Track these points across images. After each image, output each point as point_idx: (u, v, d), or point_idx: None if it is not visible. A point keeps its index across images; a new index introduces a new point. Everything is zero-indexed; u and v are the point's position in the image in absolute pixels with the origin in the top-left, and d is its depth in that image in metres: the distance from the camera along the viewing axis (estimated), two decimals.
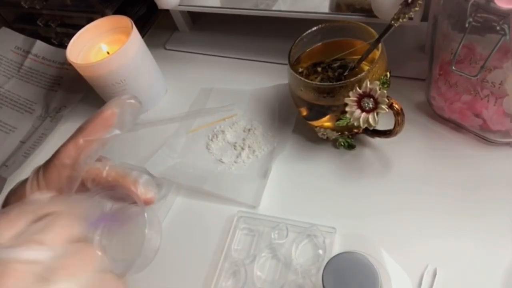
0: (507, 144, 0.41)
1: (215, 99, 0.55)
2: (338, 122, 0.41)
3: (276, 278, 0.38)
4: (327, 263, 0.30)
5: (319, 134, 0.44)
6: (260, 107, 0.52)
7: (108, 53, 0.54)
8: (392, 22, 0.37)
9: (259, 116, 0.51)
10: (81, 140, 0.28)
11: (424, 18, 0.46)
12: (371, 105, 0.38)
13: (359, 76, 0.38)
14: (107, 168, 0.31)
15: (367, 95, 0.38)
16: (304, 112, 0.44)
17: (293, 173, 0.45)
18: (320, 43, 0.45)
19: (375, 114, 0.38)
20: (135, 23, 0.52)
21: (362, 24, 0.41)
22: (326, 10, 0.51)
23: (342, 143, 0.44)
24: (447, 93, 0.41)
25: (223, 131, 0.51)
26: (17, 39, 0.64)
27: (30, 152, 0.56)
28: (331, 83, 0.39)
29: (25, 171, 0.54)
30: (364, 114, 0.38)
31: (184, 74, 0.60)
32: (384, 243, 0.38)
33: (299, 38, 0.43)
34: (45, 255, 0.22)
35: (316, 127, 0.44)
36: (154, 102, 0.57)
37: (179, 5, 0.58)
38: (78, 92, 0.60)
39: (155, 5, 0.58)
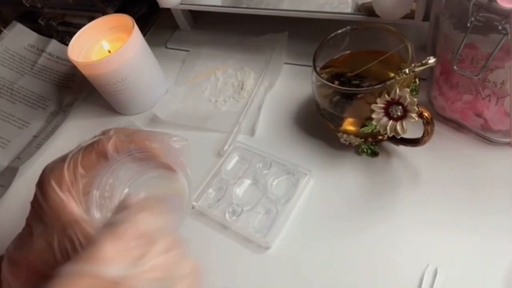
0: (508, 144, 0.41)
1: (205, 58, 0.60)
2: (363, 129, 0.40)
3: (250, 199, 0.44)
4: None
5: (342, 140, 0.44)
6: (251, 55, 0.58)
7: (109, 51, 0.54)
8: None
9: (250, 63, 0.57)
10: (132, 145, 0.31)
11: (426, 17, 0.46)
12: (399, 113, 0.37)
13: (388, 82, 0.37)
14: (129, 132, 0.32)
15: (396, 102, 0.37)
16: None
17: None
18: (347, 52, 0.45)
19: (404, 122, 0.37)
20: (136, 21, 0.52)
21: (391, 28, 0.41)
22: (328, 10, 0.51)
23: (365, 150, 0.44)
24: (449, 92, 0.41)
25: (218, 79, 0.57)
26: (30, 37, 0.64)
27: (42, 143, 0.57)
28: (350, 89, 0.39)
29: (37, 162, 0.56)
30: (391, 122, 0.37)
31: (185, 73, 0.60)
32: (384, 243, 0.38)
33: (324, 40, 0.43)
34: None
35: (339, 132, 0.43)
36: (154, 101, 0.57)
37: (181, 3, 0.58)
38: (90, 86, 0.61)
39: (156, 3, 0.58)
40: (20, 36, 0.64)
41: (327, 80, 0.40)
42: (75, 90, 0.62)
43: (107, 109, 0.59)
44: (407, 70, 0.36)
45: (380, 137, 0.43)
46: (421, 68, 0.35)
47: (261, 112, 0.52)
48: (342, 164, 0.44)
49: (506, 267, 0.34)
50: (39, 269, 0.29)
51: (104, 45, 0.55)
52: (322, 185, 0.44)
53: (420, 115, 0.36)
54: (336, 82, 0.41)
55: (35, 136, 0.59)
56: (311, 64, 0.41)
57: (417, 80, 0.39)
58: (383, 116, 0.38)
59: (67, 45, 0.53)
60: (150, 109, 0.57)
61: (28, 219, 0.32)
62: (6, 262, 0.31)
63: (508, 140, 0.41)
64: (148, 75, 0.55)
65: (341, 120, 0.42)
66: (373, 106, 0.38)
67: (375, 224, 0.40)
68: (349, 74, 0.42)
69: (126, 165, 0.32)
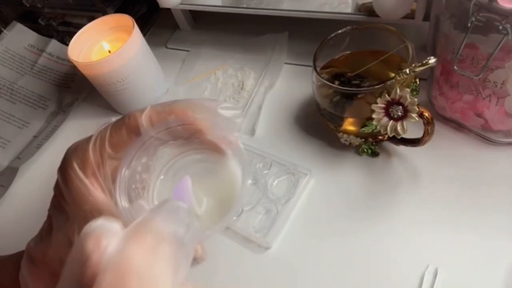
0: (509, 144, 0.41)
1: (206, 58, 0.60)
2: (363, 129, 0.40)
3: (251, 199, 0.44)
4: None
5: (342, 140, 0.44)
6: (251, 55, 0.58)
7: (109, 51, 0.54)
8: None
9: (250, 63, 0.57)
10: (171, 117, 0.25)
11: (426, 17, 0.46)
12: (400, 113, 0.37)
13: (388, 82, 0.37)
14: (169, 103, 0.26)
15: (396, 102, 0.37)
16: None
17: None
18: (348, 52, 0.45)
19: (404, 122, 0.37)
20: (136, 21, 0.52)
21: (391, 28, 0.41)
22: (329, 10, 0.51)
23: (366, 150, 0.44)
24: (449, 92, 0.41)
25: (218, 79, 0.57)
26: (30, 37, 0.64)
27: (42, 143, 0.57)
28: (350, 89, 0.39)
29: (37, 162, 0.56)
30: (392, 122, 0.37)
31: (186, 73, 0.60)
32: (384, 243, 0.38)
33: (325, 40, 0.43)
34: None
35: (339, 132, 0.43)
36: (154, 101, 0.57)
37: (181, 3, 0.58)
38: (90, 86, 0.61)
39: (156, 3, 0.58)
40: (20, 36, 0.64)
41: (327, 80, 0.40)
42: (75, 90, 0.62)
43: (107, 109, 0.59)
44: (407, 70, 0.36)
45: (380, 137, 0.43)
46: (422, 68, 0.35)
47: (261, 112, 0.52)
48: (342, 164, 0.44)
49: (506, 267, 0.34)
50: (58, 270, 0.25)
51: (104, 45, 0.55)
52: (322, 185, 0.44)
53: (421, 115, 0.36)
54: (336, 82, 0.41)
55: (35, 136, 0.59)
56: (311, 64, 0.41)
57: (417, 80, 0.39)
58: (383, 116, 0.38)
59: (67, 45, 0.53)
60: None
61: (49, 209, 0.27)
62: (25, 259, 0.27)
63: (508, 140, 0.41)
64: (148, 75, 0.55)
65: (341, 120, 0.42)
66: (374, 106, 0.38)
67: (375, 224, 0.40)
68: (349, 74, 0.42)
69: (163, 142, 0.26)
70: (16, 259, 0.29)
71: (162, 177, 0.27)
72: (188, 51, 0.63)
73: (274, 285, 0.39)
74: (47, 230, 0.27)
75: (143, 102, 0.56)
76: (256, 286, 0.39)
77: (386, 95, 0.37)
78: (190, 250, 0.20)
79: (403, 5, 0.44)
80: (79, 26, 0.54)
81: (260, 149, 0.47)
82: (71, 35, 0.53)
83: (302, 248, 0.40)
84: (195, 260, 0.25)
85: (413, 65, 0.36)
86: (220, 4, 0.58)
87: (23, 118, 0.60)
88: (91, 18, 0.55)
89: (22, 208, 0.51)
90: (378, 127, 0.38)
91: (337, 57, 0.45)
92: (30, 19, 0.70)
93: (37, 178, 0.55)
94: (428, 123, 0.37)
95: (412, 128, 0.38)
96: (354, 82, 0.42)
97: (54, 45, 0.64)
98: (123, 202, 0.25)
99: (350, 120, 0.42)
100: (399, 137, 0.38)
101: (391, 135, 0.38)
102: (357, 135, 0.42)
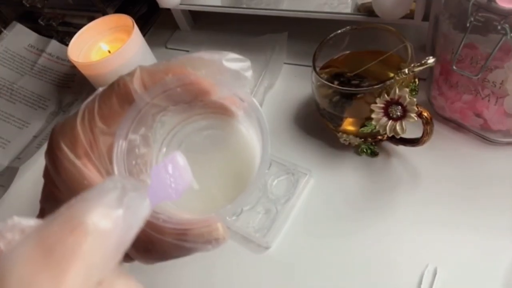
0: (508, 143, 0.41)
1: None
2: (362, 129, 0.40)
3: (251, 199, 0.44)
4: None
5: (341, 140, 0.44)
6: (250, 55, 0.55)
7: (109, 52, 0.54)
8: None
9: (250, 63, 0.54)
10: (168, 76, 0.21)
11: (425, 17, 0.46)
12: (399, 113, 0.37)
13: (387, 82, 0.37)
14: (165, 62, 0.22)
15: (395, 102, 0.37)
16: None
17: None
18: (347, 52, 0.45)
19: (403, 122, 0.37)
20: (136, 22, 0.52)
21: (390, 28, 0.41)
22: (328, 10, 0.51)
23: (365, 150, 0.44)
24: (448, 92, 0.41)
25: None
26: (30, 37, 0.64)
27: (42, 143, 0.57)
28: (350, 89, 0.39)
29: (37, 162, 0.56)
30: (391, 122, 0.37)
31: None
32: (384, 242, 0.38)
33: (324, 40, 0.43)
34: None
35: (339, 132, 0.43)
36: None
37: (181, 4, 0.58)
38: (90, 86, 0.61)
39: (156, 4, 0.58)
40: (20, 36, 0.64)
41: (326, 80, 0.40)
42: (75, 90, 0.62)
43: None
44: (406, 70, 0.36)
45: (379, 137, 0.43)
46: (421, 68, 0.36)
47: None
48: (342, 164, 0.44)
49: (506, 266, 0.35)
50: None
51: (104, 45, 0.55)
52: (322, 185, 0.44)
53: (420, 115, 0.36)
54: (336, 82, 0.41)
55: (35, 136, 0.59)
56: (311, 64, 0.41)
57: (416, 80, 0.39)
58: (382, 116, 0.38)
59: (67, 45, 0.53)
60: None
61: (40, 201, 0.25)
62: None
63: (507, 140, 0.41)
64: None
65: (341, 120, 0.42)
66: (373, 106, 0.38)
67: (375, 223, 0.40)
68: (348, 74, 0.42)
69: (162, 109, 0.22)
70: None
71: (164, 149, 0.24)
72: (188, 51, 0.63)
73: (274, 285, 0.39)
74: None
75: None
76: (255, 286, 0.39)
77: (385, 95, 0.37)
78: (126, 236, 0.16)
79: (402, 5, 0.44)
80: (79, 26, 0.54)
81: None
82: (71, 35, 0.53)
83: (302, 248, 0.40)
84: (216, 241, 0.23)
85: (412, 65, 0.36)
86: (219, 4, 0.58)
87: (23, 118, 0.60)
88: (91, 18, 0.55)
89: (22, 208, 0.52)
90: (377, 127, 0.38)
91: (336, 57, 0.45)
92: (30, 19, 0.70)
93: (37, 178, 0.55)
94: (427, 123, 0.37)
95: (411, 128, 0.38)
96: (353, 82, 0.42)
97: (54, 45, 0.64)
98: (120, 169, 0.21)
99: (349, 120, 0.42)
100: (398, 137, 0.38)
101: (390, 135, 0.38)
102: (356, 135, 0.42)
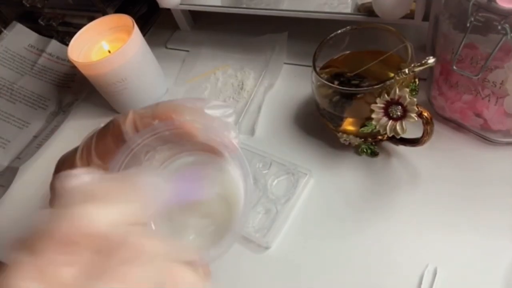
0: (508, 143, 0.41)
1: (205, 59, 0.60)
2: (362, 129, 0.40)
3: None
4: None
5: (341, 140, 0.44)
6: (251, 55, 0.58)
7: (109, 51, 0.54)
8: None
9: (250, 63, 0.57)
10: (155, 121, 0.24)
11: (425, 17, 0.46)
12: (399, 113, 0.37)
13: (387, 82, 0.37)
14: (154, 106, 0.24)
15: (395, 102, 0.37)
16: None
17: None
18: (347, 52, 0.45)
19: (403, 122, 0.37)
20: (136, 22, 0.52)
21: (391, 29, 0.41)
22: (328, 10, 0.51)
23: (365, 150, 0.44)
24: (448, 92, 0.41)
25: (218, 79, 0.57)
26: (30, 37, 0.64)
27: (42, 143, 0.57)
28: (350, 89, 0.39)
29: (37, 162, 0.56)
30: (391, 122, 0.37)
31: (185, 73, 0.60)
32: (384, 242, 0.38)
33: (324, 40, 0.43)
34: None
35: (339, 132, 0.43)
36: (154, 101, 0.57)
37: (181, 4, 0.58)
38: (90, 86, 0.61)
39: (156, 4, 0.58)
40: (20, 36, 0.64)
41: (326, 80, 0.40)
42: (75, 90, 0.62)
43: (107, 109, 0.59)
44: (406, 70, 0.36)
45: (379, 137, 0.43)
46: (421, 68, 0.36)
47: (261, 112, 0.52)
48: (342, 164, 0.44)
49: (506, 266, 0.35)
50: None
51: (104, 45, 0.55)
52: (322, 185, 0.44)
53: (420, 115, 0.36)
54: (336, 82, 0.41)
55: (35, 136, 0.59)
56: (311, 64, 0.41)
57: (416, 80, 0.39)
58: (382, 116, 0.38)
59: (67, 45, 0.53)
60: None
61: None
62: None
63: (507, 140, 0.41)
64: (148, 75, 0.55)
65: (341, 120, 0.42)
66: (373, 106, 0.38)
67: (375, 223, 0.40)
68: (348, 74, 0.42)
69: (153, 148, 0.24)
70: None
71: None
72: (187, 51, 0.63)
73: (274, 285, 0.39)
74: None
75: (143, 102, 0.56)
76: (255, 286, 0.39)
77: (386, 95, 0.37)
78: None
79: (402, 5, 0.44)
80: (79, 26, 0.54)
81: (259, 149, 0.47)
82: (71, 35, 0.53)
83: (302, 248, 0.40)
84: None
85: (412, 65, 0.36)
86: (220, 4, 0.58)
87: (23, 118, 0.60)
88: (91, 18, 0.55)
89: (22, 208, 0.52)
90: (377, 127, 0.38)
91: (336, 57, 0.45)
92: (30, 19, 0.70)
93: (37, 178, 0.55)
94: (427, 123, 0.37)
95: (411, 128, 0.38)
96: (353, 82, 0.42)
97: (54, 45, 0.64)
98: None
99: (349, 120, 0.42)
100: (398, 137, 0.38)
101: (390, 135, 0.38)
102: (356, 135, 0.42)
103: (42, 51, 0.63)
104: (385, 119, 0.38)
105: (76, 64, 0.51)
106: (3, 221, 0.51)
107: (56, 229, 0.17)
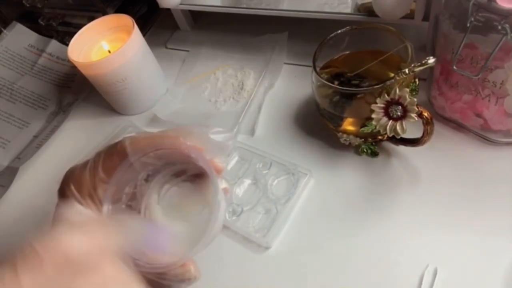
0: (508, 143, 0.41)
1: (205, 59, 0.60)
2: (362, 129, 0.40)
3: (250, 199, 0.44)
4: None
5: (342, 140, 0.44)
6: (251, 55, 0.58)
7: (109, 51, 0.54)
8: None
9: (250, 63, 0.57)
10: (157, 140, 0.27)
11: (425, 17, 0.46)
12: (399, 113, 0.37)
13: (387, 82, 0.37)
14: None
15: (395, 102, 0.37)
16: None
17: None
18: (347, 52, 0.45)
19: (403, 122, 0.37)
20: (136, 22, 0.52)
21: (391, 29, 0.41)
22: (328, 10, 0.51)
23: (365, 150, 0.44)
24: (448, 92, 0.41)
25: (218, 79, 0.57)
26: (30, 37, 0.64)
27: (42, 143, 0.57)
28: (350, 89, 0.39)
29: (37, 162, 0.56)
30: (391, 122, 0.37)
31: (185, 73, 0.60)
32: (384, 243, 0.38)
33: (324, 40, 0.43)
34: None
35: (339, 132, 0.43)
36: (154, 101, 0.57)
37: (181, 4, 0.58)
38: (90, 86, 0.61)
39: (156, 4, 0.58)
40: (20, 36, 0.64)
41: (327, 80, 0.40)
42: (75, 90, 0.62)
43: (107, 109, 0.59)
44: (406, 70, 0.36)
45: (380, 137, 0.43)
46: (421, 68, 0.36)
47: (261, 112, 0.52)
48: (342, 164, 0.44)
49: (506, 266, 0.35)
50: None
51: (104, 45, 0.55)
52: (322, 185, 0.44)
53: (420, 115, 0.36)
54: (336, 82, 0.41)
55: (35, 136, 0.59)
56: (311, 64, 0.41)
57: (416, 80, 0.39)
58: (382, 116, 0.38)
59: (67, 45, 0.53)
60: (150, 109, 0.57)
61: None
62: None
63: (507, 140, 0.41)
64: (148, 75, 0.55)
65: (341, 120, 0.42)
66: (373, 106, 0.38)
67: (375, 224, 0.40)
68: (349, 74, 0.42)
69: (152, 165, 0.28)
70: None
71: (154, 195, 0.29)
72: (187, 51, 0.63)
73: (274, 285, 0.39)
74: None
75: (143, 102, 0.56)
76: (255, 286, 0.39)
77: (386, 95, 0.37)
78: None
79: (402, 5, 0.44)
80: (79, 26, 0.54)
81: (259, 149, 0.47)
82: (71, 35, 0.53)
83: (302, 248, 0.40)
84: (189, 280, 0.27)
85: (413, 65, 0.36)
86: (220, 4, 0.58)
87: (23, 118, 0.60)
88: (91, 18, 0.55)
89: (22, 208, 0.52)
90: (377, 127, 0.38)
91: (336, 57, 0.45)
92: (30, 19, 0.70)
93: (37, 178, 0.55)
94: (427, 123, 0.37)
95: (411, 128, 0.38)
96: (353, 82, 0.42)
97: (54, 45, 0.64)
98: (106, 207, 0.28)
99: (349, 120, 0.42)
100: (398, 137, 0.38)
101: (390, 135, 0.38)
102: (356, 135, 0.42)
103: (42, 51, 0.64)
104: (385, 119, 0.38)
105: (76, 64, 0.51)
106: (3, 221, 0.51)
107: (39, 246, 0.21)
